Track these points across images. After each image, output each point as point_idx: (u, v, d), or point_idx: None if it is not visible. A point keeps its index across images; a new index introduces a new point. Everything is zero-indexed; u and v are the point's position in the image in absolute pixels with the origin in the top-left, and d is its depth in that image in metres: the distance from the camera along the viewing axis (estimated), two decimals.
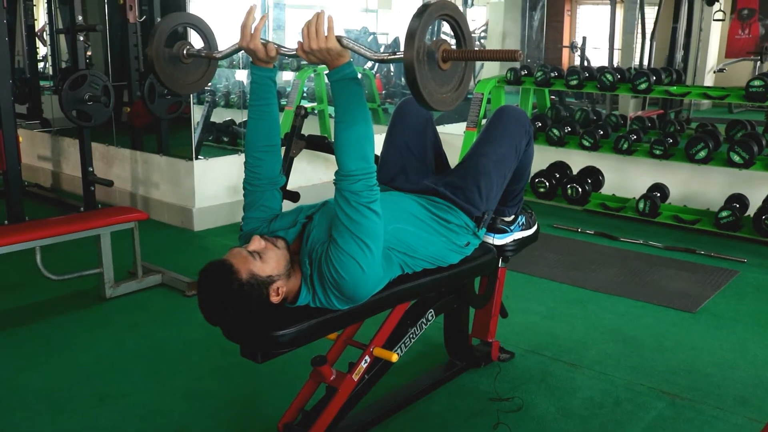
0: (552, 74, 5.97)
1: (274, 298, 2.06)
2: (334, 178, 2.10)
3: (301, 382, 2.52)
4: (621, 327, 3.60)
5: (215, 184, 5.29)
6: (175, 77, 2.41)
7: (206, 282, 2.03)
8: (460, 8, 9.47)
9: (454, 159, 2.80)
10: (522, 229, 2.95)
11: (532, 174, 5.59)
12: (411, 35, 1.77)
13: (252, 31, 2.13)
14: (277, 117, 2.34)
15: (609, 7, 9.18)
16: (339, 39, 1.96)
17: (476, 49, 1.94)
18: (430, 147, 2.75)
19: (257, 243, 2.08)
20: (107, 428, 2.69)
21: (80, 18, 4.76)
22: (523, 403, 2.84)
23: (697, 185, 5.49)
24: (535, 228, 3.02)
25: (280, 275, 2.07)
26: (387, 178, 2.69)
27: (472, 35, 1.98)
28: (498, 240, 2.88)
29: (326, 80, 7.58)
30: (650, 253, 4.78)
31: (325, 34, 1.95)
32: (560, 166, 5.84)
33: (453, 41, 1.98)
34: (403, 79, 8.97)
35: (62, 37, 7.77)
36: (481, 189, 2.52)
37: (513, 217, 2.89)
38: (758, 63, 10.61)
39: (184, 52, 2.38)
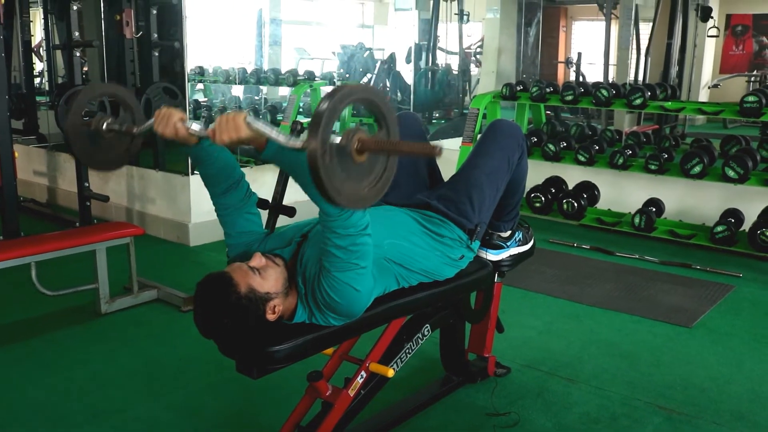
0: (547, 89, 5.99)
1: (270, 316, 2.05)
2: (321, 218, 2.00)
3: (296, 397, 2.51)
4: (617, 342, 3.60)
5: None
6: (95, 154, 2.21)
7: (204, 292, 2.03)
8: (456, 24, 9.51)
9: (449, 174, 2.80)
10: (518, 245, 2.95)
11: (527, 189, 5.61)
12: (316, 121, 1.52)
13: (167, 120, 2.00)
14: (227, 159, 2.26)
15: (604, 23, 9.24)
16: (248, 124, 1.81)
17: (395, 140, 1.68)
18: (424, 162, 2.75)
19: (258, 260, 2.08)
20: None
21: (77, 34, 4.77)
22: (520, 419, 2.84)
23: (693, 200, 5.50)
24: (531, 243, 3.02)
25: (277, 293, 2.07)
26: None
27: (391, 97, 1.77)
28: (494, 256, 2.87)
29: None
30: (646, 268, 4.78)
31: (235, 128, 1.84)
32: (556, 181, 5.85)
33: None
34: (399, 93, 9.01)
35: (59, 53, 7.79)
36: (473, 201, 2.53)
37: (509, 232, 2.89)
38: (752, 79, 10.68)
39: (104, 126, 2.15)
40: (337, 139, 1.60)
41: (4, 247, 3.61)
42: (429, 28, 9.31)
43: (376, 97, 1.68)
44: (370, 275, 2.12)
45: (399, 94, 9.16)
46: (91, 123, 2.14)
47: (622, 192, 5.79)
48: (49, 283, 3.73)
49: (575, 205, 5.54)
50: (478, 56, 10.26)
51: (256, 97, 8.18)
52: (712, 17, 9.04)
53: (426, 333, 2.68)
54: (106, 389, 3.10)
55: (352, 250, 2.00)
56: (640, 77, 8.65)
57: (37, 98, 7.65)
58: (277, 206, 4.64)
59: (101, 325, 3.82)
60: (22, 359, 3.39)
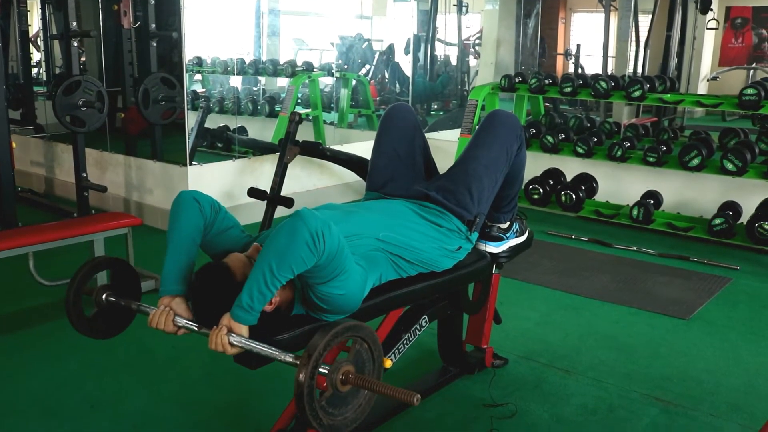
0: (546, 81, 5.98)
1: (267, 307, 2.04)
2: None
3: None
4: (614, 334, 3.61)
5: (209, 189, 5.21)
6: (93, 324, 2.32)
7: (201, 281, 2.02)
8: (455, 15, 9.48)
9: (448, 165, 2.80)
10: (517, 236, 2.95)
11: (526, 180, 5.60)
12: (309, 353, 1.74)
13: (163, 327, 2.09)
14: (196, 233, 2.23)
15: (603, 15, 9.21)
16: (233, 345, 1.92)
17: (377, 381, 1.83)
18: (419, 153, 2.75)
19: (255, 250, 2.08)
20: None
21: (74, 24, 4.75)
22: (517, 410, 2.84)
23: (691, 193, 5.50)
24: (527, 234, 3.02)
25: None
26: (377, 185, 2.69)
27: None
28: (495, 248, 2.87)
29: (320, 86, 7.59)
30: (644, 260, 4.78)
31: (223, 346, 1.93)
32: (554, 173, 5.84)
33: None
34: (398, 85, 9.00)
35: (56, 43, 7.78)
36: (472, 192, 2.52)
37: (508, 224, 2.89)
38: (751, 71, 10.66)
39: (103, 297, 2.26)
40: (325, 369, 1.77)
41: (1, 237, 3.61)
42: (428, 19, 9.28)
43: (370, 338, 1.88)
44: (355, 275, 2.09)
45: (398, 86, 9.15)
46: (92, 292, 2.23)
47: (620, 184, 5.79)
48: (47, 273, 3.72)
49: (573, 197, 5.54)
50: (476, 48, 10.23)
51: (254, 88, 8.17)
52: (711, 9, 9.01)
53: (424, 324, 2.68)
54: (102, 380, 3.10)
55: (328, 268, 1.97)
56: (639, 69, 8.63)
57: (35, 88, 7.65)
58: (275, 197, 4.64)
59: None
60: (19, 349, 3.39)
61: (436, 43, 9.67)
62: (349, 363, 1.82)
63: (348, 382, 1.80)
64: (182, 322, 2.07)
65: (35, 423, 2.75)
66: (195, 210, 2.20)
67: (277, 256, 1.88)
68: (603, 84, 5.58)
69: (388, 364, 2.42)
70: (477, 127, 2.76)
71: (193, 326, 2.06)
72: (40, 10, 7.95)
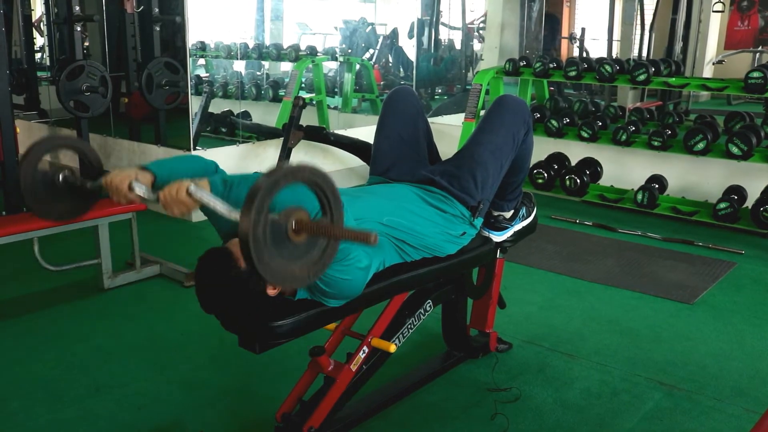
0: (551, 65, 5.96)
1: (271, 291, 2.04)
2: None
3: (299, 372, 2.52)
4: (618, 318, 3.61)
5: None
6: (51, 206, 2.15)
7: (205, 267, 2.02)
8: (459, 0, 9.36)
9: (452, 150, 2.79)
10: (522, 220, 2.94)
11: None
12: (251, 198, 1.49)
13: (117, 192, 1.98)
14: (194, 171, 2.15)
15: None
16: (191, 194, 1.84)
17: (334, 225, 1.64)
18: (422, 137, 2.74)
19: None
20: (104, 418, 2.69)
21: (77, 8, 4.74)
22: (521, 394, 2.85)
23: (696, 177, 5.48)
24: (533, 216, 3.00)
25: None
26: (381, 170, 2.68)
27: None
28: (499, 237, 2.86)
29: (324, 70, 7.57)
30: (648, 245, 4.78)
31: (182, 203, 1.87)
32: (558, 158, 5.83)
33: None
34: (401, 69, 8.96)
35: (59, 28, 7.76)
36: (477, 178, 2.51)
37: (512, 212, 2.88)
38: (757, 55, 10.59)
39: (60, 178, 2.11)
40: (275, 216, 1.58)
41: (6, 223, 3.62)
42: (432, 3, 9.24)
43: (323, 181, 1.63)
44: (360, 263, 2.08)
45: (402, 70, 9.12)
46: (47, 173, 2.09)
47: (624, 168, 5.77)
48: (52, 258, 3.73)
49: (578, 181, 5.53)
50: (481, 31, 10.17)
51: (258, 73, 8.15)
52: None
53: (428, 308, 2.69)
54: (108, 364, 3.11)
55: (341, 266, 1.97)
56: (644, 53, 8.59)
57: (38, 73, 7.64)
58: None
59: (104, 300, 3.83)
60: (25, 334, 3.41)
61: (440, 26, 9.63)
62: (302, 210, 1.62)
63: (303, 230, 1.61)
64: (140, 188, 1.95)
65: (41, 406, 2.76)
66: (211, 168, 2.20)
67: None
68: (608, 68, 5.55)
69: (392, 348, 2.44)
70: (484, 111, 2.75)
71: (147, 193, 1.93)
72: None
